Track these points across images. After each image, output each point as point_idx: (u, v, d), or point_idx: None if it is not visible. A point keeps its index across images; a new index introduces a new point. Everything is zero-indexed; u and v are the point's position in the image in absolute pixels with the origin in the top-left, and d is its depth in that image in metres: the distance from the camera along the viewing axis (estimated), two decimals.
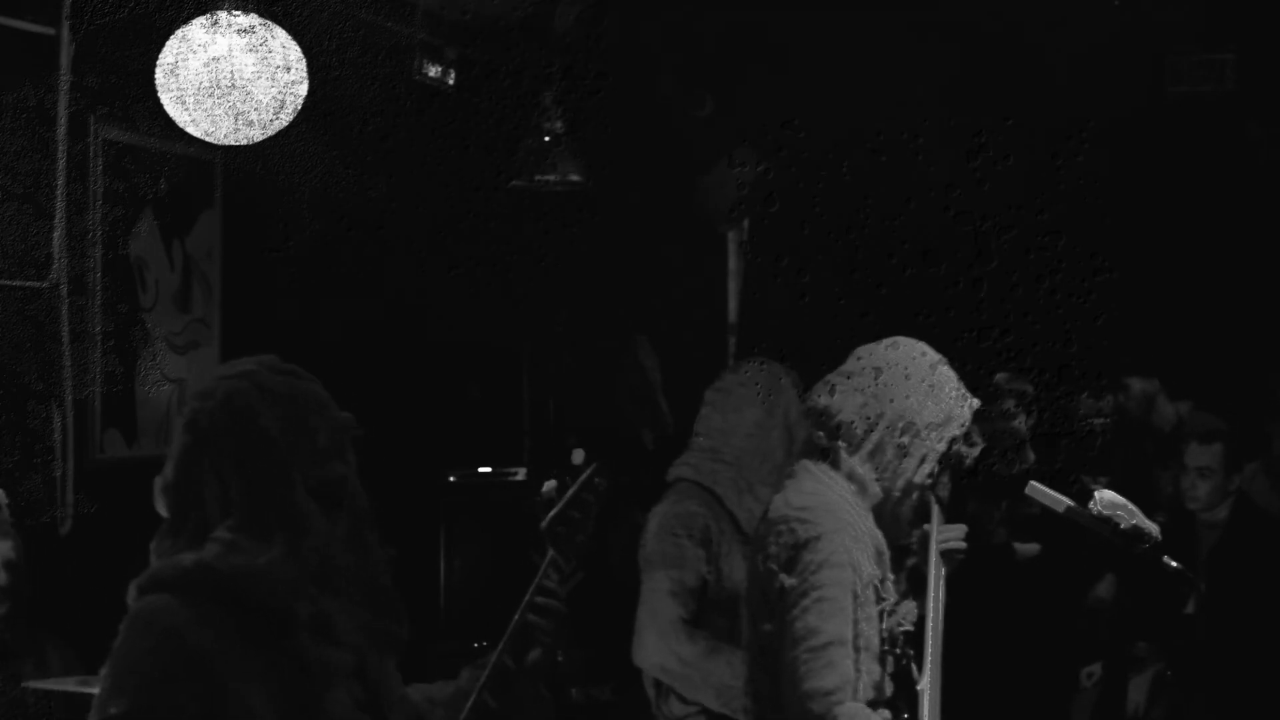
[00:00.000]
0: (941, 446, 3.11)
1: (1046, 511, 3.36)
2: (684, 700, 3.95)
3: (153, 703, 2.10)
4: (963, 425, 3.14)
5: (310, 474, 2.26)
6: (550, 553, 2.48)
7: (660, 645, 3.92)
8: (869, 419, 3.10)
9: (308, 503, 2.24)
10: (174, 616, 2.14)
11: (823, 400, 3.18)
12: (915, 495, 3.15)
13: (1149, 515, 3.30)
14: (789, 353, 4.21)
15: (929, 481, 3.13)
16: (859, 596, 2.98)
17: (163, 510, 2.29)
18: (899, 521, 3.17)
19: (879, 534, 3.10)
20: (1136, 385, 6.53)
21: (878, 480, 3.11)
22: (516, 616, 2.43)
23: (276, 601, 2.17)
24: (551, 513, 2.51)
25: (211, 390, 2.31)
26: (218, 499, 2.23)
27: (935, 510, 3.28)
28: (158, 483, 2.30)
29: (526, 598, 2.45)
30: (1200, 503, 5.29)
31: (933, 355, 3.20)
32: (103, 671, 2.17)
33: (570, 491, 2.54)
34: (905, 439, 3.09)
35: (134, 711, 2.10)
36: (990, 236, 7.34)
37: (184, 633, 2.13)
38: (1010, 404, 5.93)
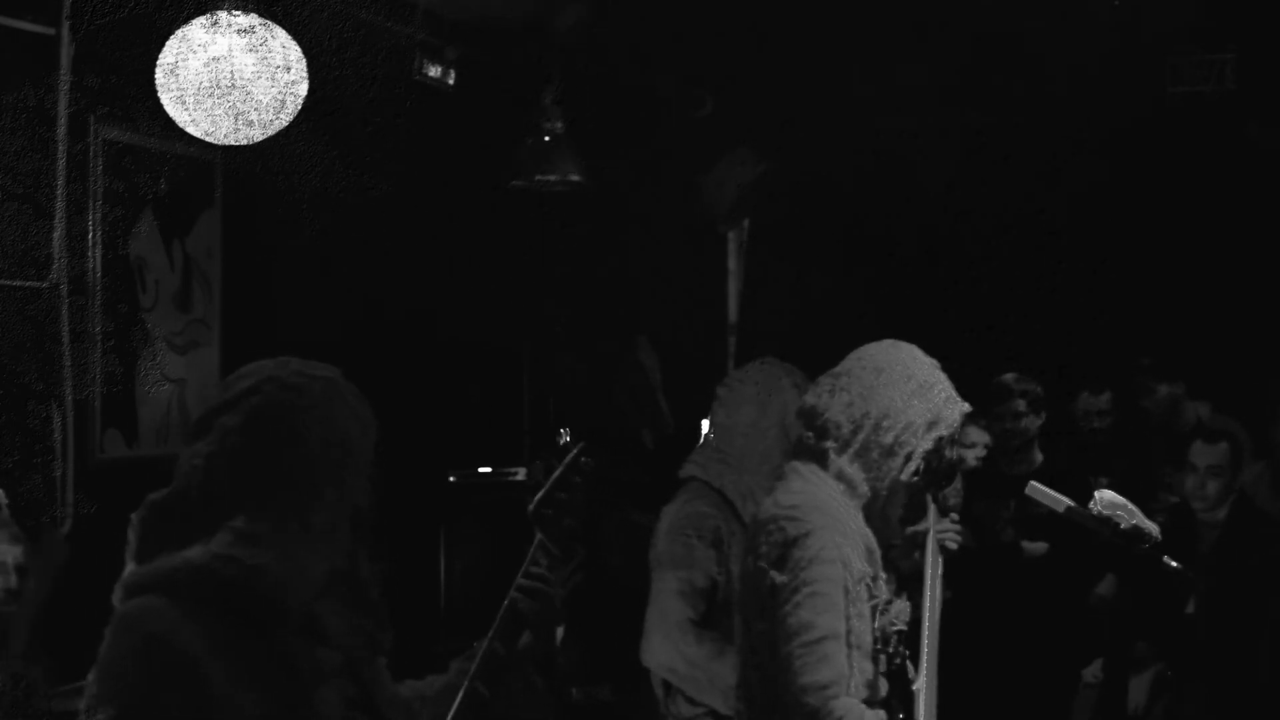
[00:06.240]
0: (928, 445, 3.10)
1: (1053, 511, 3.36)
2: (692, 701, 3.94)
3: (139, 709, 2.08)
4: (951, 427, 3.13)
5: (360, 499, 2.25)
6: (538, 536, 2.40)
7: (668, 646, 3.91)
8: (855, 418, 3.10)
9: (344, 527, 2.22)
10: (160, 620, 2.10)
11: (810, 400, 3.19)
12: (905, 495, 3.15)
13: (1149, 515, 3.29)
14: (789, 353, 4.21)
15: (915, 479, 3.12)
16: (850, 592, 2.98)
17: (180, 478, 2.19)
18: (889, 520, 3.16)
19: (869, 533, 3.10)
20: (1163, 389, 6.52)
21: (866, 480, 3.10)
22: (505, 602, 2.37)
23: (266, 607, 2.14)
24: (538, 495, 2.42)
25: (302, 386, 2.24)
26: (237, 490, 2.16)
27: (931, 509, 3.28)
28: (188, 453, 2.20)
29: (515, 582, 2.38)
30: (1208, 502, 5.27)
31: (923, 357, 3.20)
32: (89, 676, 2.13)
33: (556, 473, 2.45)
34: (890, 438, 3.09)
35: (121, 718, 2.07)
36: (990, 236, 7.35)
37: (170, 637, 2.09)
38: (1021, 404, 5.91)
